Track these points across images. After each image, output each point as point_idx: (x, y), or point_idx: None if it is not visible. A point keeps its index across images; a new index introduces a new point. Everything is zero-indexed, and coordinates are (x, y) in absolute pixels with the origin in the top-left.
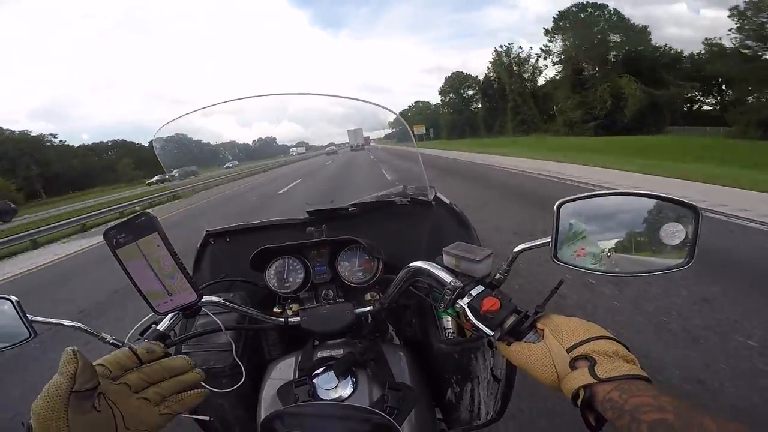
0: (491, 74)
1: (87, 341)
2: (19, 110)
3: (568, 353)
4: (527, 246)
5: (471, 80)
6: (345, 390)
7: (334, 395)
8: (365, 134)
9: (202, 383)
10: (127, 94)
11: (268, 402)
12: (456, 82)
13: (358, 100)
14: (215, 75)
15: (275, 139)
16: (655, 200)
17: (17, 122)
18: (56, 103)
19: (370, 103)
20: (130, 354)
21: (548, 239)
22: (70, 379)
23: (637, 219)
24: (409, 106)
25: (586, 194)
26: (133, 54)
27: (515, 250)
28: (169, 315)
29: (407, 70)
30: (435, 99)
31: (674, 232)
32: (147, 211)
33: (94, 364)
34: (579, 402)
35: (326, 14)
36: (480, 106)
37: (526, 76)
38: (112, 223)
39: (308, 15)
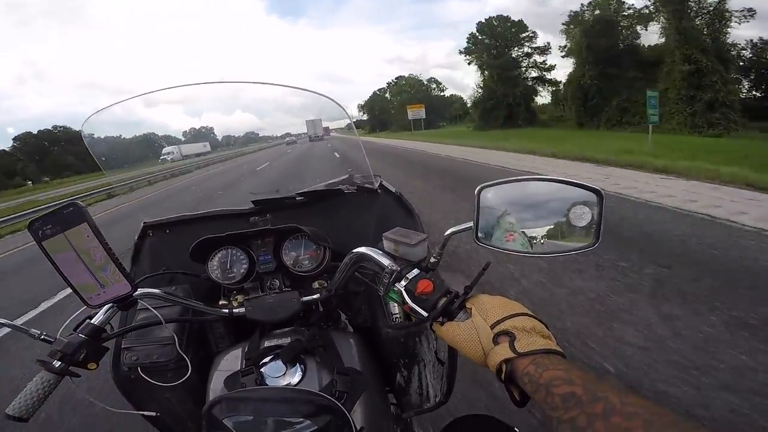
0: None
1: (17, 338)
2: None
3: (491, 329)
4: (456, 229)
5: None
6: (293, 377)
7: (282, 383)
8: (325, 124)
9: (145, 377)
10: (62, 84)
11: (216, 393)
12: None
13: (307, 90)
14: (164, 64)
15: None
16: (565, 185)
17: None
18: None
19: (318, 93)
20: None
21: (471, 223)
22: None
23: (551, 203)
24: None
25: (504, 180)
26: (71, 41)
27: (446, 233)
28: (105, 308)
29: (369, 60)
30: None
31: (582, 214)
32: (75, 200)
33: None
34: (502, 376)
35: (284, 3)
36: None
37: None
38: None
39: (264, 3)
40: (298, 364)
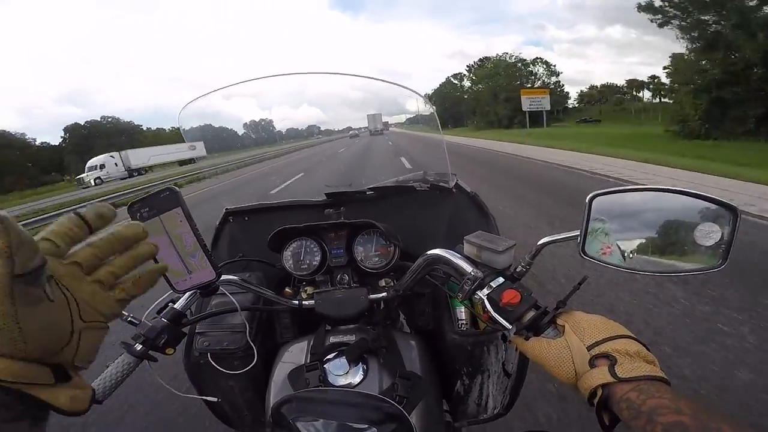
0: None
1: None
2: (44, 94)
3: (588, 351)
4: (552, 239)
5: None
6: (355, 377)
7: (344, 381)
8: (384, 119)
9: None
10: (147, 79)
11: (278, 385)
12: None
13: (383, 81)
14: (234, 60)
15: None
16: (692, 198)
17: (42, 107)
18: (78, 91)
19: (395, 84)
20: (78, 221)
21: (576, 233)
22: (7, 259)
23: (670, 216)
24: (433, 90)
25: (619, 188)
26: (152, 40)
27: (539, 243)
28: (187, 294)
29: (428, 54)
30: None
31: (710, 233)
32: (171, 186)
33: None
34: (596, 401)
35: None
36: None
37: None
38: None
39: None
40: (360, 364)
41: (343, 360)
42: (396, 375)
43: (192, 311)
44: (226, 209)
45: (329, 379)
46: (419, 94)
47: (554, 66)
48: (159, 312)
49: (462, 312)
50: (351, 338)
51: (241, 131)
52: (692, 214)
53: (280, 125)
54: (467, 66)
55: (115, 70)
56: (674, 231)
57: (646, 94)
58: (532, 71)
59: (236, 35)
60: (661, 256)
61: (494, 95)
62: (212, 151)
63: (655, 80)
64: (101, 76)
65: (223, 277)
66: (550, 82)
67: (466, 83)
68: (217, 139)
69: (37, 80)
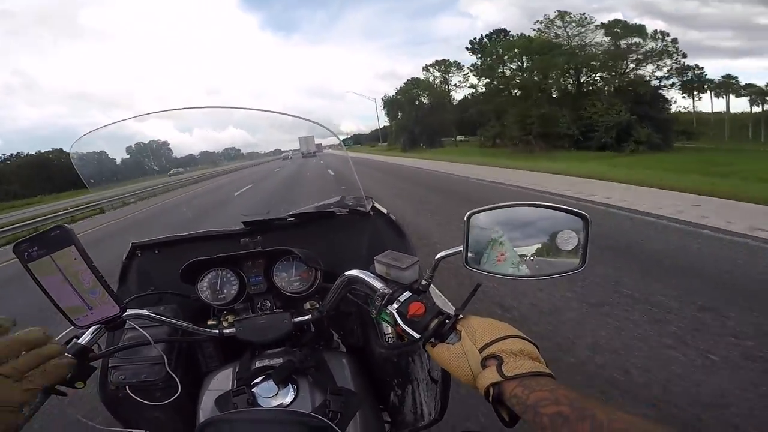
0: None
1: None
2: None
3: (480, 352)
4: (447, 253)
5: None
6: (286, 398)
7: (274, 403)
8: (317, 141)
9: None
10: (50, 96)
11: (206, 413)
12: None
13: (296, 117)
14: (157, 77)
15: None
16: (550, 210)
17: None
18: None
19: (307, 120)
20: None
21: (461, 247)
22: None
23: (538, 227)
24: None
25: (491, 206)
26: (58, 55)
27: (436, 257)
28: (92, 328)
29: (361, 76)
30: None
31: (568, 239)
32: (62, 224)
33: None
34: (490, 398)
35: (278, 18)
36: None
37: None
38: None
39: (258, 18)
40: (290, 385)
41: (270, 383)
42: (327, 392)
43: (99, 346)
44: (133, 243)
45: (259, 402)
46: (329, 129)
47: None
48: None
49: (387, 327)
50: (278, 361)
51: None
52: (553, 223)
53: (195, 149)
54: (474, 44)
55: (5, 82)
56: (542, 239)
57: None
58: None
59: (157, 53)
60: (532, 262)
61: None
62: (112, 182)
63: None
64: None
65: (131, 311)
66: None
67: (472, 80)
68: (122, 168)
69: None
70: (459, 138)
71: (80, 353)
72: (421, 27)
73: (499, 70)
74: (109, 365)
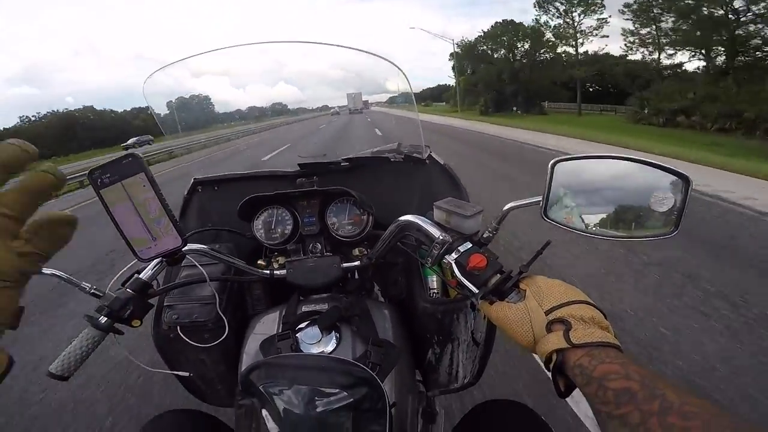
0: None
1: (66, 290)
2: None
3: (546, 315)
4: (517, 204)
5: None
6: (328, 345)
7: (317, 349)
8: (364, 98)
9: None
10: (111, 57)
11: (250, 356)
12: None
13: (364, 51)
14: (208, 35)
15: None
16: (648, 167)
17: None
18: (37, 68)
19: (375, 55)
20: None
21: (539, 198)
22: None
23: (628, 184)
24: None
25: (580, 155)
26: (115, 16)
27: (505, 208)
28: (153, 264)
29: (413, 35)
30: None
31: (663, 199)
32: (133, 151)
33: None
34: (551, 365)
35: None
36: None
37: None
38: None
39: None
40: (333, 332)
41: (315, 328)
42: (369, 342)
43: (159, 282)
44: (195, 179)
45: (301, 348)
46: (399, 68)
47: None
48: (124, 283)
49: (434, 281)
50: (323, 307)
51: (211, 107)
52: (648, 182)
53: (246, 103)
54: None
55: (74, 47)
56: (632, 197)
57: None
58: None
59: (208, 7)
60: (618, 221)
61: None
62: (183, 128)
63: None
64: (59, 55)
65: (191, 246)
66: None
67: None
68: (189, 113)
69: None
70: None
71: (141, 289)
72: None
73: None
74: (164, 304)
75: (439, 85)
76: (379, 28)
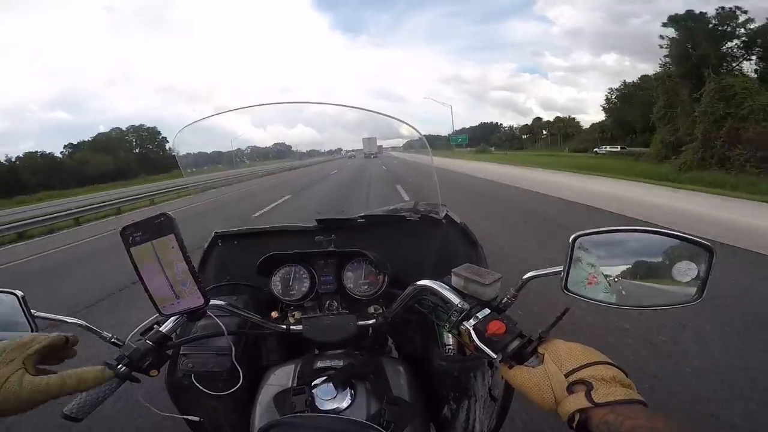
0: None
1: (88, 339)
2: (32, 100)
3: (566, 378)
4: (538, 273)
5: None
6: (343, 402)
7: (331, 406)
8: (378, 143)
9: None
10: (143, 89)
11: (263, 408)
12: None
13: (377, 113)
14: (233, 74)
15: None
16: (671, 238)
17: (32, 112)
18: (72, 96)
19: (400, 120)
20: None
21: (560, 268)
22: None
23: (650, 255)
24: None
25: (602, 229)
26: (151, 51)
27: (525, 277)
28: (173, 317)
29: (424, 79)
30: (460, 109)
31: (686, 270)
32: (166, 212)
33: None
34: (574, 425)
35: (347, 19)
36: None
37: None
38: None
39: (329, 18)
40: (348, 389)
41: (330, 385)
42: (383, 401)
43: (177, 333)
44: (216, 233)
45: (316, 404)
46: (411, 126)
47: None
48: (143, 333)
49: (449, 338)
50: (339, 363)
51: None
52: (670, 252)
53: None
54: None
55: (110, 77)
56: (653, 268)
57: None
58: None
59: (236, 51)
60: (642, 291)
61: None
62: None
63: None
64: (94, 83)
65: (213, 302)
66: None
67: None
68: (211, 161)
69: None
70: None
71: (160, 341)
72: (489, 31)
73: None
74: (180, 352)
75: (483, 124)
76: (395, 71)
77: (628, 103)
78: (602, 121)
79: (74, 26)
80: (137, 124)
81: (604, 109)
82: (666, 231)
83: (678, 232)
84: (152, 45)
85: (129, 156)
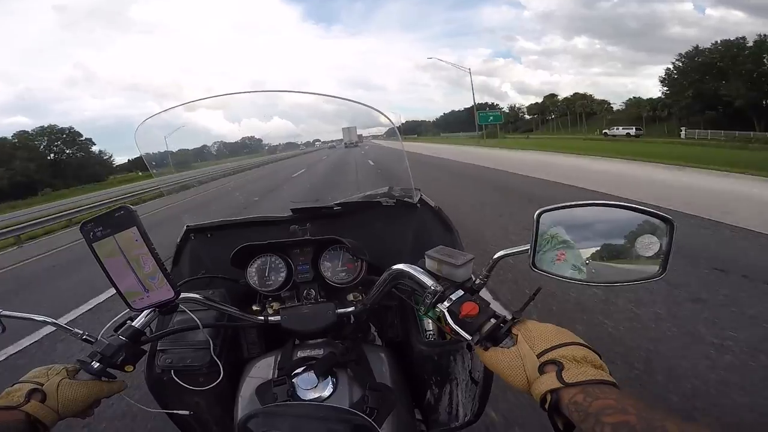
0: None
1: (59, 337)
2: None
3: (538, 358)
4: (507, 252)
5: None
6: (325, 390)
7: (313, 395)
8: (358, 131)
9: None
10: (108, 88)
11: (246, 401)
12: None
13: (349, 100)
14: (202, 69)
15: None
16: (632, 212)
17: None
18: (33, 98)
19: (370, 107)
20: None
21: (527, 246)
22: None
23: (614, 229)
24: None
25: (565, 204)
26: (113, 47)
27: (495, 256)
28: (146, 311)
29: (401, 67)
30: (439, 96)
31: (649, 244)
32: (126, 204)
33: None
34: (546, 405)
35: (319, 10)
36: None
37: None
38: None
39: (300, 10)
40: (330, 377)
41: (311, 374)
42: (366, 387)
43: (152, 328)
44: (188, 226)
45: (298, 393)
46: (383, 113)
47: None
48: (116, 330)
49: (429, 323)
50: (319, 352)
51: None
52: (633, 227)
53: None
54: None
55: (69, 75)
56: (618, 243)
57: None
58: None
59: (203, 42)
60: (606, 266)
61: None
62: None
63: None
64: (52, 83)
65: (184, 295)
66: None
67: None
68: (179, 155)
69: None
70: None
71: (133, 336)
72: (462, 18)
73: None
74: (158, 348)
75: (480, 104)
76: (371, 59)
77: (711, 74)
78: (664, 96)
79: (28, 26)
80: (47, 125)
81: (666, 82)
82: (627, 205)
83: (639, 205)
84: (114, 43)
85: (39, 164)
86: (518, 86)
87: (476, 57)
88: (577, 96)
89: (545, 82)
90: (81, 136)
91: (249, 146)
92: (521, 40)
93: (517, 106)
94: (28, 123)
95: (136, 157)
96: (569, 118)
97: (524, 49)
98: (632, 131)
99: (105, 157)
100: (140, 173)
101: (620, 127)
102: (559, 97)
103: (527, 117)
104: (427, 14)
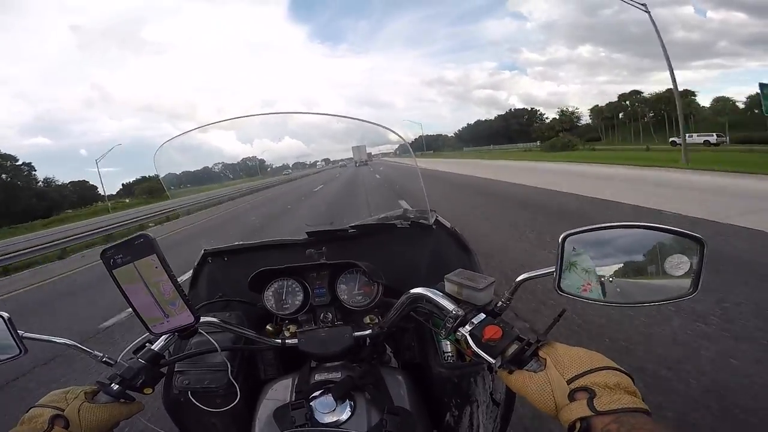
0: None
1: (79, 359)
2: (10, 126)
3: (568, 384)
4: (530, 275)
5: None
6: (343, 414)
7: (331, 419)
8: (368, 150)
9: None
10: (124, 109)
11: (262, 423)
12: None
13: (361, 120)
14: (212, 89)
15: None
16: (660, 232)
17: (8, 138)
18: (51, 119)
19: (383, 126)
20: None
21: (552, 269)
22: None
23: (641, 250)
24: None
25: (591, 227)
26: (127, 68)
27: (517, 279)
28: (165, 335)
29: (408, 83)
30: (445, 111)
31: (678, 264)
32: (145, 232)
33: None
34: None
35: (324, 29)
36: None
37: None
38: None
39: (306, 30)
40: (347, 401)
41: (329, 397)
42: (384, 411)
43: (170, 351)
44: (205, 250)
45: (316, 417)
46: (394, 132)
47: None
48: (136, 352)
49: (447, 345)
50: (337, 375)
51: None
52: (661, 247)
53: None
54: None
55: (86, 96)
56: (645, 264)
57: None
58: None
59: (213, 62)
60: (635, 287)
61: None
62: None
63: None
64: (71, 104)
65: (202, 319)
66: None
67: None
68: (196, 178)
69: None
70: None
71: (152, 359)
72: (465, 32)
73: None
74: (175, 369)
75: (513, 111)
76: (378, 77)
77: None
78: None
79: (46, 46)
80: None
81: None
82: (655, 225)
83: (665, 226)
84: (128, 63)
85: None
86: (525, 98)
87: (481, 71)
88: (658, 96)
89: (552, 93)
90: (16, 159)
91: (261, 167)
92: (525, 51)
93: (570, 109)
94: (48, 144)
95: (133, 180)
96: (650, 121)
97: (529, 60)
98: (712, 138)
99: (54, 185)
100: (128, 200)
101: (695, 135)
102: (644, 94)
103: (582, 123)
104: (431, 30)
